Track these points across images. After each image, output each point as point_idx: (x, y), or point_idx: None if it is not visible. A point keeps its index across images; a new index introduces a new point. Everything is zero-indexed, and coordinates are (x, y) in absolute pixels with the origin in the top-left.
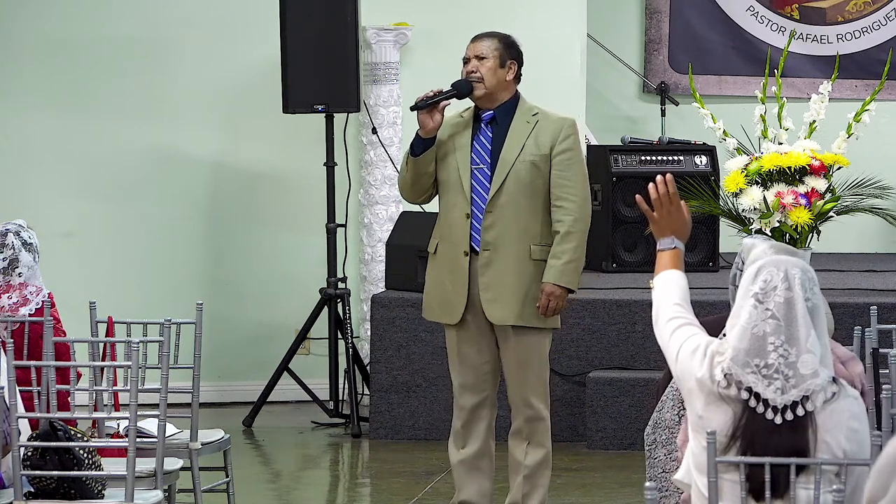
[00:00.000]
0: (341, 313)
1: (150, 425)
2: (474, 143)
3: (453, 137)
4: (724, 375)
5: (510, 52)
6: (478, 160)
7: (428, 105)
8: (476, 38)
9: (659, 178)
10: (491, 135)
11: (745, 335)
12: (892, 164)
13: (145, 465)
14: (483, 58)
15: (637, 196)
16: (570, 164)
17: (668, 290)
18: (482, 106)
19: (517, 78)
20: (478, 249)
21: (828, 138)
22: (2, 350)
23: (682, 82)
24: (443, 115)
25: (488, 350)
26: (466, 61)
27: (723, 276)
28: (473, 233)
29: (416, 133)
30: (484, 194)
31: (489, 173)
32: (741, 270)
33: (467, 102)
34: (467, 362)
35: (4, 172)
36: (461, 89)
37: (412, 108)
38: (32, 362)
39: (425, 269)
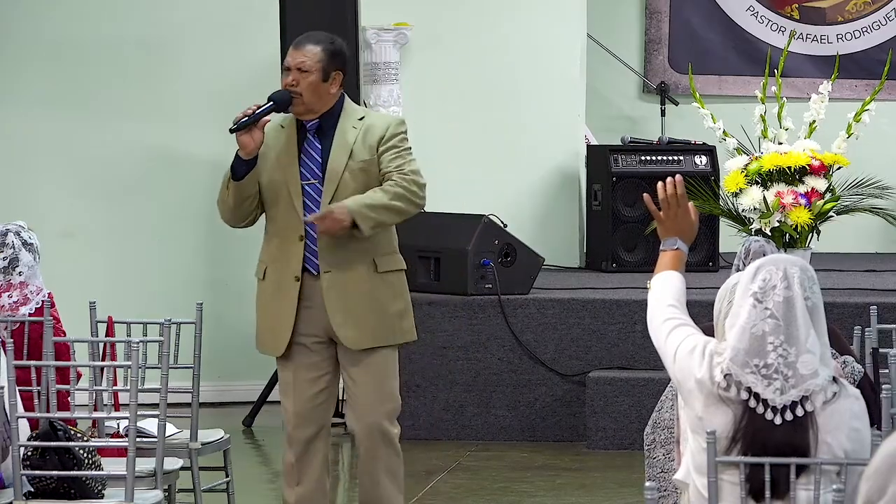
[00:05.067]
0: None
1: (149, 425)
2: (302, 156)
3: (277, 152)
4: (724, 376)
5: (335, 62)
6: (308, 175)
7: (248, 124)
8: (298, 45)
9: (669, 178)
10: (319, 146)
11: (745, 335)
12: (891, 164)
13: (145, 464)
14: (304, 71)
15: (644, 195)
16: (399, 153)
17: (665, 291)
18: (303, 118)
19: (342, 85)
20: (314, 272)
21: (828, 138)
22: (2, 350)
23: (682, 82)
24: (263, 132)
25: (325, 377)
26: (287, 69)
27: (723, 276)
28: (308, 254)
29: (236, 154)
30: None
31: (322, 189)
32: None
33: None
34: (302, 391)
35: (5, 173)
36: (280, 102)
37: (231, 131)
38: (32, 362)
39: (425, 269)
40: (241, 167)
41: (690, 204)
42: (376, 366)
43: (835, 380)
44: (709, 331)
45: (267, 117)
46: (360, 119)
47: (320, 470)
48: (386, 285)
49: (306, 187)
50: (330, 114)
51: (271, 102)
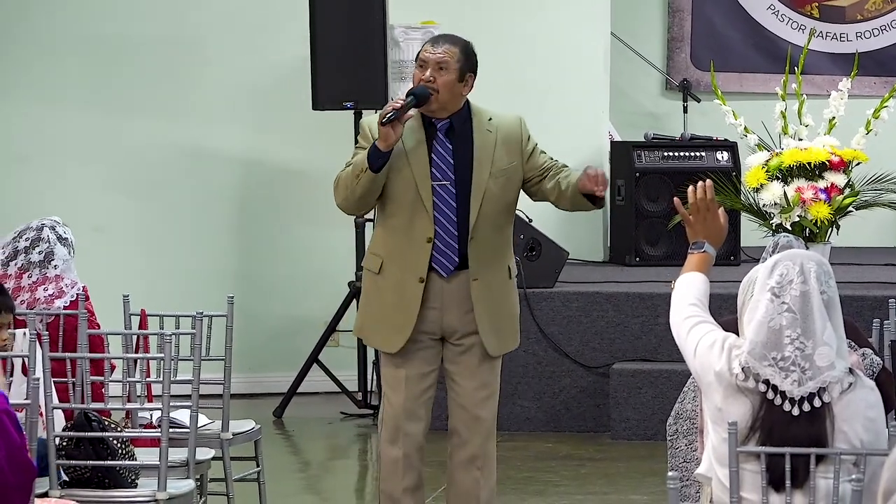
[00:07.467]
0: None
1: (182, 416)
2: (432, 155)
3: (407, 148)
4: (742, 368)
5: (469, 63)
6: (439, 176)
7: (395, 118)
8: (436, 42)
9: (700, 183)
10: (451, 147)
11: (762, 329)
12: None
13: (178, 454)
14: (443, 69)
15: (675, 199)
16: (541, 150)
17: (688, 291)
18: (433, 116)
19: (472, 88)
20: (443, 274)
21: (847, 134)
22: (37, 342)
23: (704, 79)
24: (403, 127)
25: (433, 373)
26: (423, 65)
27: (744, 269)
28: (437, 255)
29: (374, 146)
30: (450, 214)
31: (454, 191)
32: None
33: None
34: (413, 386)
35: (39, 168)
36: (420, 98)
37: (382, 123)
38: (67, 354)
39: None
40: (379, 159)
41: (721, 209)
42: (494, 370)
43: (851, 371)
44: (730, 324)
45: (410, 112)
46: (490, 120)
47: (422, 463)
48: (514, 291)
49: (436, 188)
50: (461, 115)
51: (412, 97)
